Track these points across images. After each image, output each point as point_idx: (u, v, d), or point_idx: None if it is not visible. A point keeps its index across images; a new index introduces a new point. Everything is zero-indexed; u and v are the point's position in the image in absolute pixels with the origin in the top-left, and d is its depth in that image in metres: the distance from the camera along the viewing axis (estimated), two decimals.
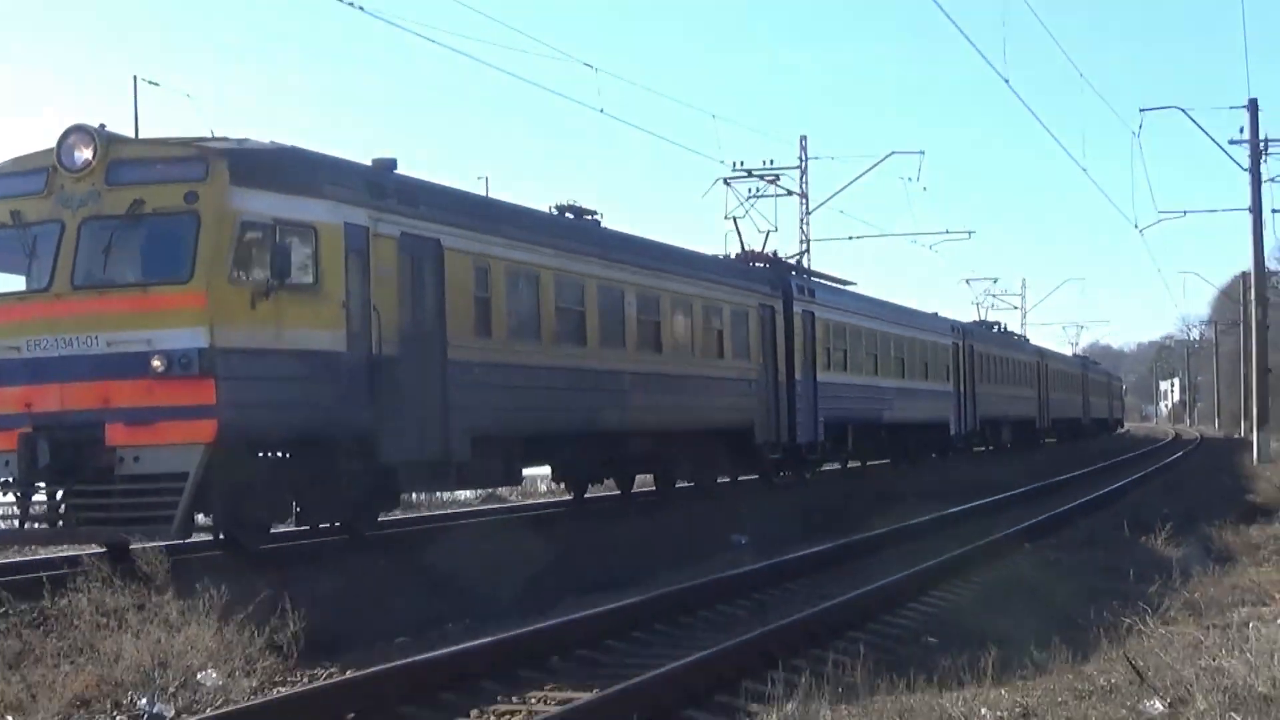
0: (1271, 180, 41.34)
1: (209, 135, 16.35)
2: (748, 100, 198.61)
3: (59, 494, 15.21)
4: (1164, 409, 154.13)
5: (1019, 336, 67.97)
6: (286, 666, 11.73)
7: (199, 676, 10.97)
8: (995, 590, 16.68)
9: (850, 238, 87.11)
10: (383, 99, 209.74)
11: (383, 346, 16.75)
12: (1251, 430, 45.99)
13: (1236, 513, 27.67)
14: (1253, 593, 14.88)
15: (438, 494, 28.58)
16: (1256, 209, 40.13)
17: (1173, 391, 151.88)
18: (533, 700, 10.89)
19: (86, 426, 14.64)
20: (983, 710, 8.78)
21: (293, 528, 18.42)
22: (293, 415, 15.69)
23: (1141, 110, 52.16)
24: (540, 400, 20.89)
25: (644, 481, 30.03)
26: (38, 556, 17.93)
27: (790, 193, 49.98)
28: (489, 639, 13.01)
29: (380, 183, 17.65)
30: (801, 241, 50.73)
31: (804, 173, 51.32)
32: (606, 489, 29.12)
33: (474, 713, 10.73)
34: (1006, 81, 30.43)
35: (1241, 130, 39.93)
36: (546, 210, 24.52)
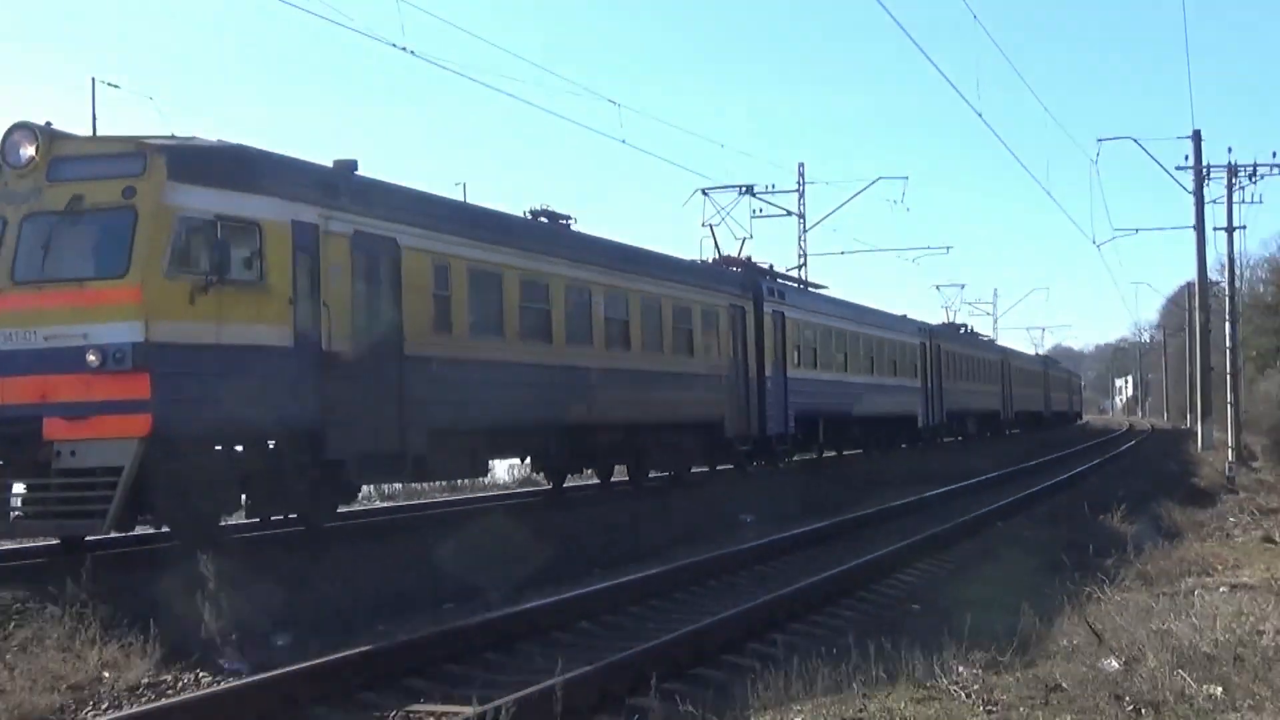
0: (1213, 202, 43.26)
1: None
2: (753, 131, 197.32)
3: None
4: (1119, 403, 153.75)
5: (985, 337, 68.01)
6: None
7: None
8: (970, 563, 16.67)
9: (842, 252, 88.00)
10: (436, 135, 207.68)
11: (333, 342, 15.58)
12: (1196, 422, 45.81)
13: (1183, 494, 27.61)
14: (1198, 564, 14.96)
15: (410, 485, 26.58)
16: (1200, 227, 40.77)
17: (1126, 388, 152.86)
18: (564, 657, 10.60)
19: (25, 421, 13.46)
20: (959, 668, 8.62)
21: (243, 520, 17.09)
22: (234, 410, 14.35)
23: (1099, 140, 52.40)
24: (504, 395, 19.54)
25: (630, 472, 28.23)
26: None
27: (789, 213, 51.65)
28: (541, 601, 13.58)
29: (332, 182, 16.38)
30: (799, 256, 52.00)
31: (801, 195, 52.63)
32: (587, 478, 27.75)
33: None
34: (980, 115, 31.24)
35: (1186, 158, 41.25)
36: (521, 214, 23.39)
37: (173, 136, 14.75)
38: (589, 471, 26.67)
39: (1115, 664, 9.23)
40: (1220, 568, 15.50)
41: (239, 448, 14.96)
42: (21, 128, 14.15)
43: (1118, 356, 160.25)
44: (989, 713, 8.14)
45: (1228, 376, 44.37)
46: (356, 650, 10.80)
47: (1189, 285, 52.15)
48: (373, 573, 15.00)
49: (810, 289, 37.10)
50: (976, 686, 8.67)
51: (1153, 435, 72.65)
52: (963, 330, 60.46)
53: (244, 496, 15.34)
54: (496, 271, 19.71)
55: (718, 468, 30.45)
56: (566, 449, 22.99)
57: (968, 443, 53.46)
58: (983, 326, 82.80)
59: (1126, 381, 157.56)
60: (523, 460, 25.97)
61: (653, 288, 25.09)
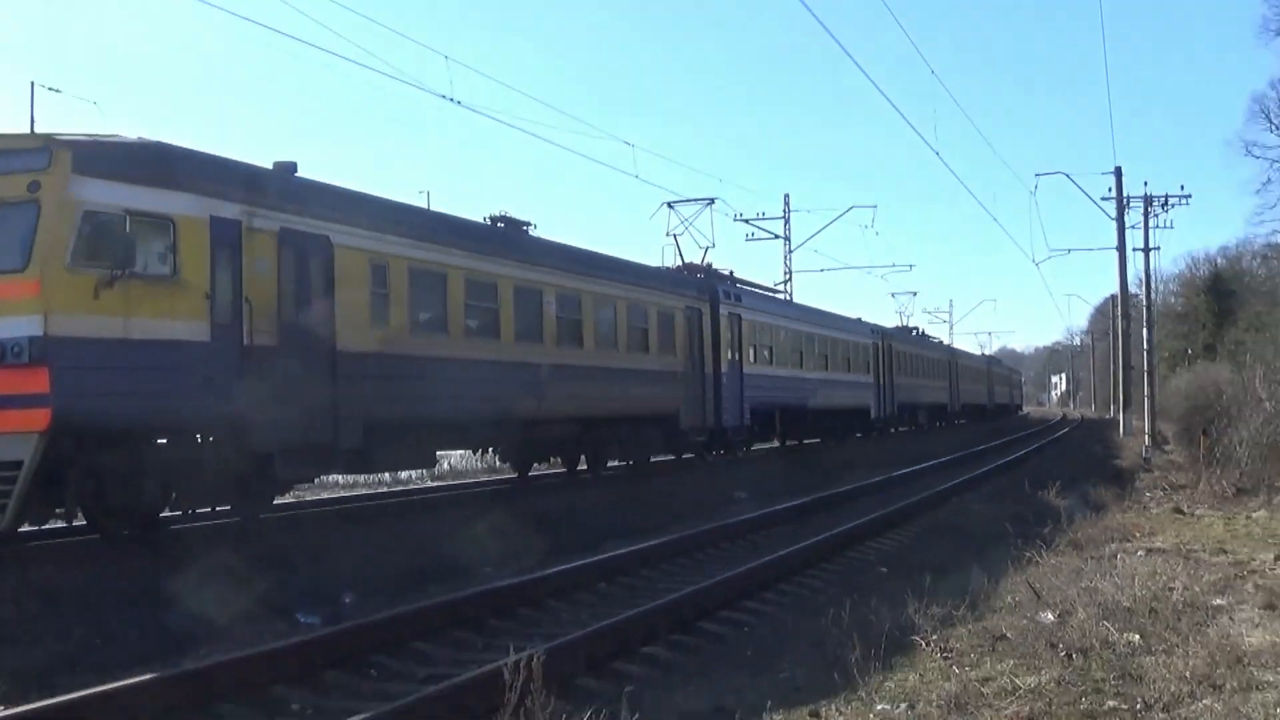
0: (1132, 227, 46.30)
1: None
2: (746, 168, 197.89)
3: None
4: (1054, 396, 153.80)
5: (935, 339, 67.86)
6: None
7: None
8: (930, 532, 16.76)
9: (823, 270, 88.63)
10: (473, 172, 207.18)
11: (255, 337, 14.16)
12: (1118, 412, 46.16)
13: (1108, 473, 27.85)
14: (1119, 532, 15.26)
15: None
16: (1121, 249, 42.33)
17: (1061, 383, 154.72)
18: (586, 614, 11.24)
19: None
20: (918, 620, 8.69)
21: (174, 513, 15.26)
22: (145, 404, 12.93)
23: (1037, 175, 53.39)
24: (450, 390, 18.03)
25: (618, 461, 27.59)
26: None
27: (777, 236, 54.18)
28: (564, 567, 13.20)
29: (257, 180, 14.97)
30: (785, 273, 54.38)
31: (787, 221, 55.26)
32: (554, 467, 26.43)
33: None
34: (937, 154, 31.86)
35: (1110, 190, 41.94)
36: (482, 219, 21.89)
37: (88, 134, 13.43)
38: (556, 460, 25.55)
39: (1051, 617, 9.54)
40: (1138, 535, 15.72)
41: (156, 441, 13.66)
42: None
43: (1053, 357, 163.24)
44: (945, 658, 8.22)
45: (1145, 374, 45.22)
46: (410, 607, 11.01)
47: (1113, 297, 52.88)
48: (405, 548, 14.76)
49: (769, 294, 36.46)
50: (935, 637, 8.75)
51: (1082, 424, 73.53)
52: (914, 333, 60.27)
53: (170, 490, 13.99)
54: (441, 271, 18.30)
55: (682, 456, 29.34)
56: (519, 440, 21.99)
57: (919, 432, 53.41)
58: (941, 332, 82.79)
59: (1061, 378, 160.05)
60: (476, 451, 24.33)
61: (607, 289, 23.72)
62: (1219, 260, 61.72)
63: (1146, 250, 46.74)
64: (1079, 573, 11.62)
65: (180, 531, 14.71)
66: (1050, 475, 24.19)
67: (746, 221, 52.16)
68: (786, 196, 54.68)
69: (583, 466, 25.47)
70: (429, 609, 10.75)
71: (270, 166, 15.92)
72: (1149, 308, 49.50)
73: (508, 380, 19.73)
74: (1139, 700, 7.09)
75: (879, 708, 7.17)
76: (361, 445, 15.97)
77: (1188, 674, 7.57)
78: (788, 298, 47.73)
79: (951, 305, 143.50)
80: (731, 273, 32.75)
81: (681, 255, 33.06)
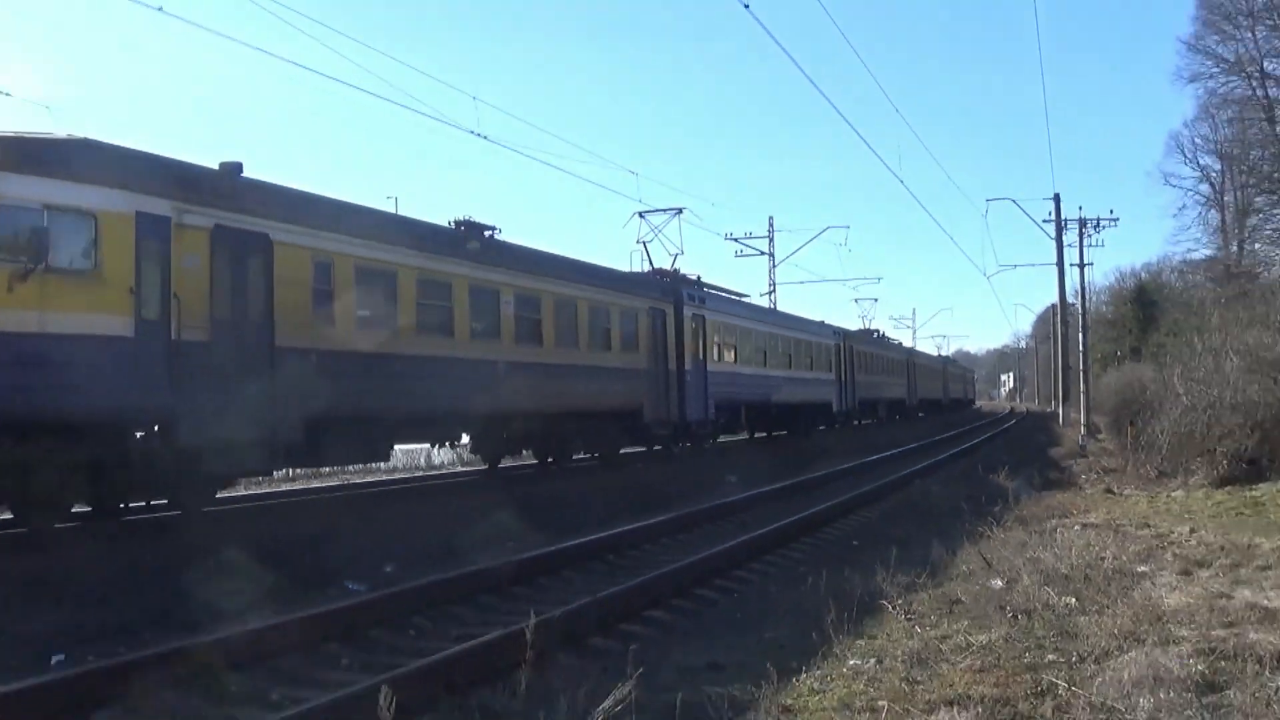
0: (1070, 245, 47.16)
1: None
2: (735, 192, 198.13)
3: None
4: (1003, 392, 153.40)
5: (895, 341, 65.54)
6: None
7: None
8: (896, 511, 16.77)
9: (802, 282, 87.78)
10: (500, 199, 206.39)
11: (184, 333, 12.65)
12: (1058, 405, 45.94)
13: (1048, 458, 27.71)
14: (1058, 510, 15.43)
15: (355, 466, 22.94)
16: (1060, 264, 44.43)
17: (1009, 381, 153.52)
18: (597, 582, 11.32)
19: None
20: (885, 587, 8.70)
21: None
22: (62, 397, 11.58)
23: (987, 200, 53.22)
24: (401, 385, 16.31)
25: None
26: None
27: (762, 253, 54.94)
28: (579, 539, 13.30)
29: (190, 178, 13.41)
30: (770, 285, 55.46)
31: (771, 240, 56.39)
32: (526, 459, 24.35)
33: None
34: (901, 181, 32.05)
35: (1050, 214, 42.32)
36: (446, 223, 19.96)
37: (11, 131, 12.12)
38: (527, 453, 23.88)
39: (1000, 583, 9.69)
40: (1075, 512, 15.84)
41: (74, 435, 12.06)
42: None
43: (1002, 358, 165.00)
44: (908, 620, 8.24)
45: (1080, 373, 45.35)
46: (444, 575, 11.09)
47: (1053, 306, 53.25)
48: (434, 526, 14.60)
49: (735, 298, 34.12)
50: (900, 601, 8.79)
51: (1028, 416, 74.35)
52: (875, 335, 57.73)
53: (95, 484, 12.60)
54: (391, 270, 16.60)
55: (654, 448, 27.58)
56: (477, 434, 20.59)
57: (880, 425, 52.08)
58: (905, 336, 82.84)
59: (1009, 376, 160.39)
60: (433, 445, 22.11)
61: (567, 290, 21.95)
62: (1143, 274, 62.04)
63: (1081, 266, 48.43)
64: (1024, 545, 11.83)
65: (223, 512, 14.47)
66: (1000, 461, 24.33)
67: (736, 240, 53.34)
68: (771, 218, 55.63)
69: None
70: (459, 577, 10.94)
71: (216, 167, 14.39)
72: (1084, 315, 50.04)
73: (462, 376, 18.04)
74: (1074, 654, 7.28)
75: (851, 663, 7.32)
76: (304, 440, 14.49)
77: (1116, 630, 7.77)
78: (772, 305, 49.10)
79: (914, 313, 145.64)
80: (699, 278, 31.07)
81: (651, 261, 31.07)
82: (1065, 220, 45.76)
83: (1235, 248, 48.51)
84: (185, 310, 12.73)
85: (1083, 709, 5.99)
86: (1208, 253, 51.08)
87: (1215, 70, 45.97)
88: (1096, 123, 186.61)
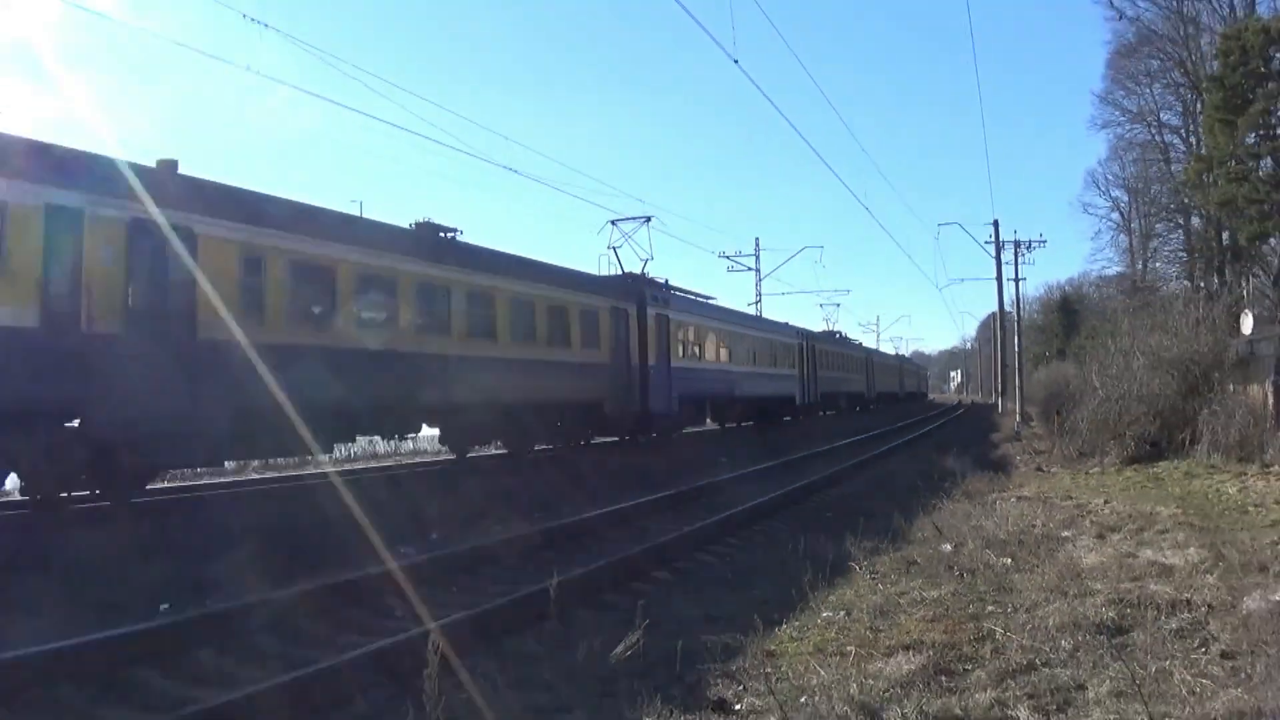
0: (1007, 263, 47.62)
1: None
2: (727, 216, 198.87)
3: None
4: (953, 387, 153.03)
5: (855, 341, 63.41)
6: None
7: None
8: (863, 486, 16.68)
9: (784, 294, 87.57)
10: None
11: (95, 325, 10.96)
12: (998, 398, 46.16)
13: (989, 442, 27.60)
14: (997, 485, 15.49)
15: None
16: (999, 279, 46.41)
17: (958, 377, 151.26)
18: (609, 547, 11.25)
19: None
20: (853, 551, 8.71)
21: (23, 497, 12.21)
22: None
23: (939, 224, 53.32)
24: (339, 379, 14.00)
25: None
26: None
27: (749, 269, 55.61)
28: (594, 512, 13.00)
29: (107, 172, 11.44)
30: (756, 297, 55.60)
31: (757, 257, 57.02)
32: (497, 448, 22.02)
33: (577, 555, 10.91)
34: (867, 208, 31.98)
35: (990, 236, 44.05)
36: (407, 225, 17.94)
37: None
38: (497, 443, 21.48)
39: (949, 547, 9.72)
40: (1010, 487, 15.85)
41: None
42: None
43: (952, 357, 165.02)
44: (873, 579, 8.27)
45: (1016, 370, 44.97)
46: (483, 541, 10.97)
47: (993, 314, 52.78)
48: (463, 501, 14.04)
49: (702, 300, 31.51)
50: (866, 563, 8.80)
51: (973, 407, 74.31)
52: (837, 335, 55.43)
53: (11, 475, 11.21)
54: (328, 265, 14.51)
55: (633, 439, 25.37)
56: (427, 425, 18.30)
57: (841, 415, 50.33)
58: (870, 339, 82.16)
59: (958, 373, 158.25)
60: (384, 437, 19.46)
61: (523, 288, 19.57)
62: (1067, 288, 62.47)
63: (1016, 280, 49.21)
64: (969, 515, 11.88)
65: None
66: (949, 444, 24.22)
67: (728, 258, 53.98)
68: (757, 239, 56.14)
69: (541, 446, 21.57)
70: (496, 543, 10.82)
71: (154, 164, 12.50)
72: (1018, 322, 50.32)
73: (406, 370, 15.83)
74: (1010, 605, 7.32)
75: (824, 615, 7.35)
76: (230, 433, 12.54)
77: (1043, 585, 7.82)
78: (759, 313, 48.57)
79: (878, 319, 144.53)
80: (667, 281, 28.41)
81: (621, 265, 27.96)
82: (1003, 242, 47.03)
83: (1140, 266, 49.37)
84: (97, 303, 11.06)
85: (1016, 650, 6.01)
86: (1119, 270, 52.14)
87: (1122, 119, 48.14)
88: (1029, 159, 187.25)
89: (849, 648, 6.26)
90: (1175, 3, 40.91)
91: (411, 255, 16.56)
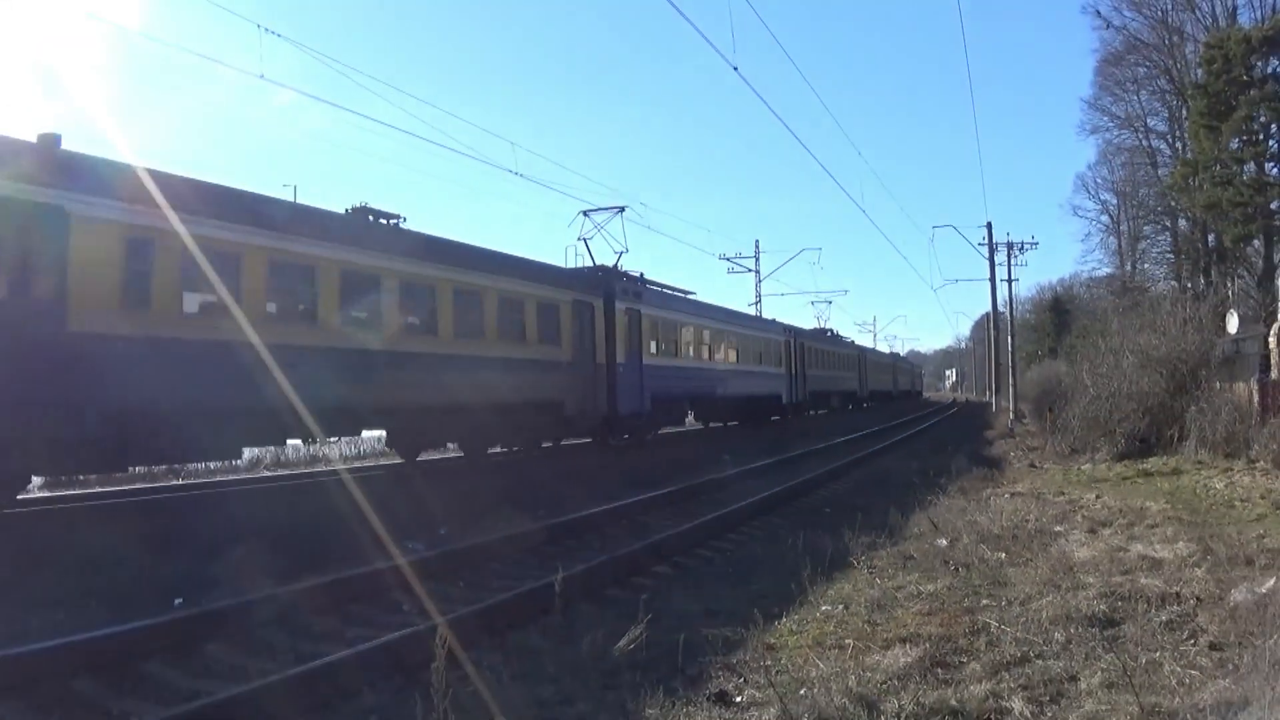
0: (1000, 264, 46.98)
1: None
2: (727, 219, 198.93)
3: None
4: (948, 385, 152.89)
5: (848, 339, 60.93)
6: None
7: None
8: (860, 483, 16.59)
9: (783, 295, 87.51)
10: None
11: None
12: (992, 395, 46.03)
13: (984, 439, 27.49)
14: (991, 481, 15.59)
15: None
16: (992, 280, 46.21)
17: (953, 375, 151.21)
18: (613, 539, 11.27)
19: None
20: (851, 546, 8.69)
21: None
22: None
23: (933, 226, 53.15)
24: (242, 376, 12.31)
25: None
26: None
27: (750, 270, 55.40)
28: (599, 508, 12.68)
29: None
30: (756, 298, 55.30)
31: (757, 259, 56.87)
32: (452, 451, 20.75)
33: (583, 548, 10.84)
34: (864, 211, 31.21)
35: (984, 238, 46.43)
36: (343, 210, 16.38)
37: None
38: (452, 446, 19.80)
39: (944, 542, 9.70)
40: (1004, 483, 15.83)
41: None
42: None
43: (947, 356, 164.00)
44: (870, 573, 8.23)
45: (1009, 368, 44.86)
46: (487, 538, 10.75)
47: (987, 314, 52.65)
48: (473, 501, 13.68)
49: (679, 294, 28.78)
50: (863, 558, 8.79)
51: (967, 405, 73.98)
52: (829, 333, 53.13)
53: None
54: (234, 252, 12.79)
55: (607, 440, 23.38)
56: (354, 426, 16.15)
57: (832, 414, 48.68)
58: (867, 339, 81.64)
59: (953, 371, 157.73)
60: (306, 441, 15.60)
61: (470, 279, 17.58)
62: (1058, 288, 62.57)
63: (1009, 281, 49.15)
64: (964, 510, 11.87)
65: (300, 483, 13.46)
66: (944, 441, 24.19)
67: (728, 260, 53.68)
68: (757, 241, 55.92)
69: (504, 448, 19.85)
70: (499, 540, 10.69)
71: (35, 139, 11.01)
72: (1011, 322, 50.58)
73: (326, 368, 13.93)
74: (1004, 599, 7.30)
75: (823, 609, 7.33)
76: (112, 437, 10.96)
77: (1037, 579, 7.79)
78: (758, 314, 47.87)
79: (875, 319, 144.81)
80: (642, 274, 25.94)
81: (593, 257, 25.56)
82: (996, 244, 46.25)
83: (1129, 267, 49.60)
84: None
85: (1010, 643, 5.99)
86: (1108, 271, 52.36)
87: (1110, 125, 48.75)
88: (1021, 163, 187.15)
89: (847, 641, 6.23)
90: (1161, 13, 41.72)
91: (334, 241, 14.78)
